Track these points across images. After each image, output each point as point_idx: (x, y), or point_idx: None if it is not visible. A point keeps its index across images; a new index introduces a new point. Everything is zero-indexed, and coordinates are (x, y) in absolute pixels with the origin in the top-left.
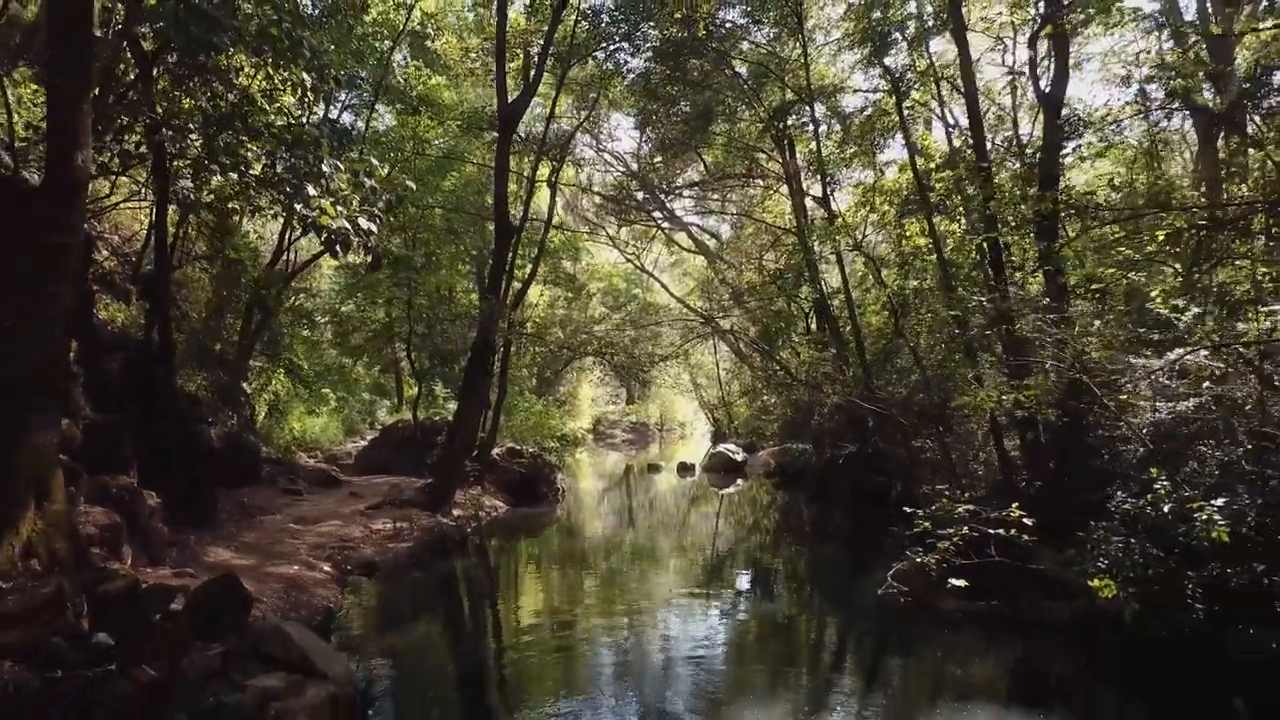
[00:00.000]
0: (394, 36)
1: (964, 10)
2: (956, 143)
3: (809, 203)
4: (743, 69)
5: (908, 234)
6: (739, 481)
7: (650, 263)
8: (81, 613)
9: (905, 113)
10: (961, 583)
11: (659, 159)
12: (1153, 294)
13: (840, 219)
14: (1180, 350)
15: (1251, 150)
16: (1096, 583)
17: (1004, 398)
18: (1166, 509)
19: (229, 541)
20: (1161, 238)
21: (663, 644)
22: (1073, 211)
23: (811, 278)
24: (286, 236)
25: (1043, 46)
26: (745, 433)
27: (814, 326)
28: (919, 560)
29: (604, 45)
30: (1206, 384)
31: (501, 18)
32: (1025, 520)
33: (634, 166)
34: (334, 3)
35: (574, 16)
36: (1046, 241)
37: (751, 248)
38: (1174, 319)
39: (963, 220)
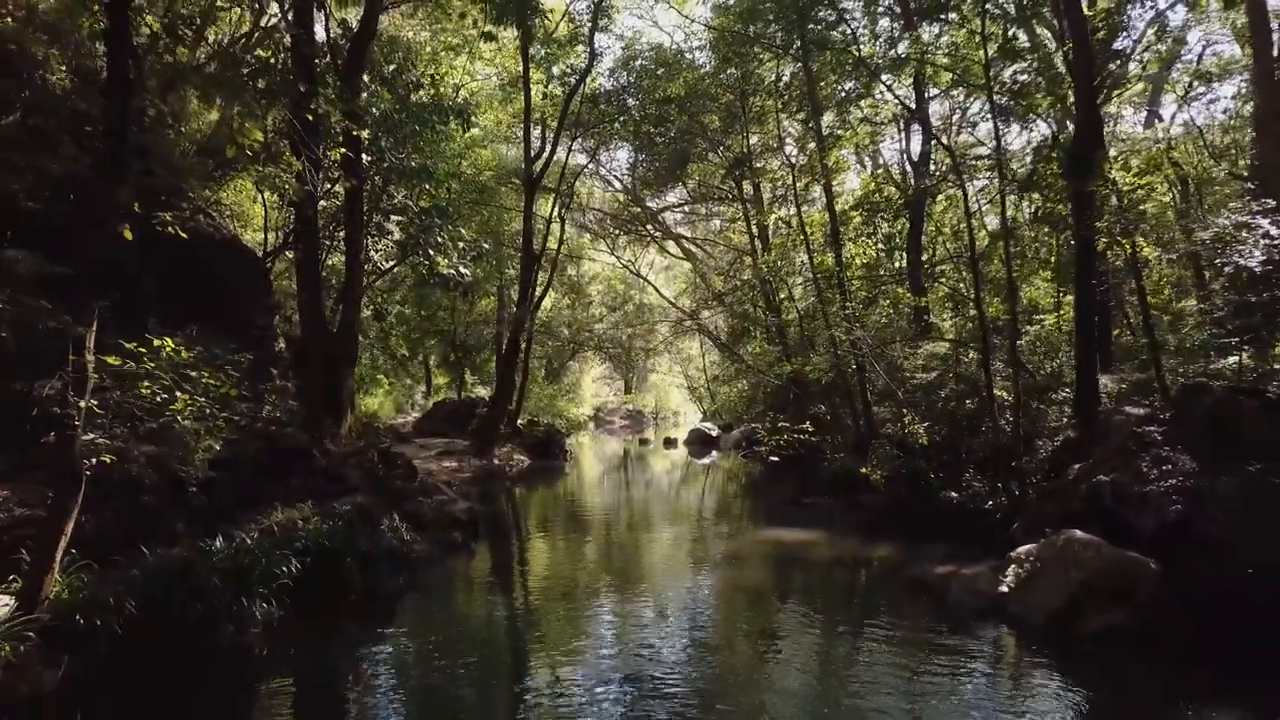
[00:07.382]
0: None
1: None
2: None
3: (770, 223)
4: (715, 106)
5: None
6: (713, 453)
7: (644, 266)
8: (374, 459)
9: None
10: (776, 458)
11: (651, 183)
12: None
13: (765, 252)
14: (931, 345)
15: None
16: (867, 470)
17: (800, 369)
18: (907, 430)
19: None
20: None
21: (618, 508)
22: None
23: (762, 290)
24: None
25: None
26: (725, 414)
27: (771, 326)
28: (757, 449)
29: (602, 119)
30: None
31: (528, 103)
32: (809, 429)
33: (630, 185)
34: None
35: (578, 98)
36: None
37: (722, 262)
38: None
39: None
